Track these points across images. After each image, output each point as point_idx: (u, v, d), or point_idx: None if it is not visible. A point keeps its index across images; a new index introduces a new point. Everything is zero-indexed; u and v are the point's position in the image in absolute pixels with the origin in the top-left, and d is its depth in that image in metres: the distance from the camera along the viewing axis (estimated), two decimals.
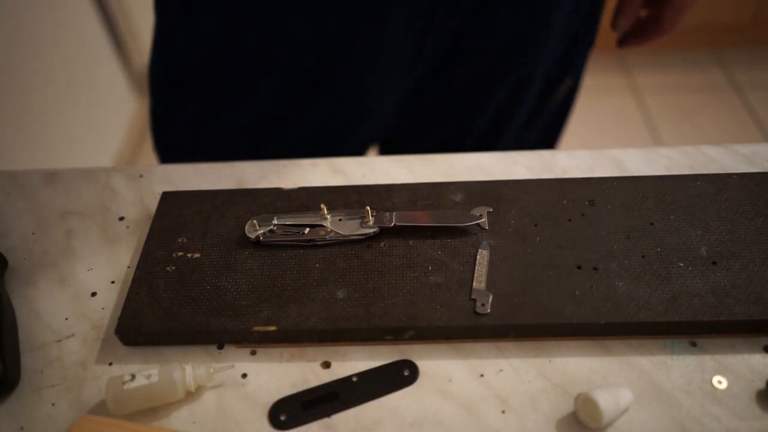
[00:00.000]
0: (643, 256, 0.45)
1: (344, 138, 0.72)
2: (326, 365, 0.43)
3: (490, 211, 0.49)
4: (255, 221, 0.49)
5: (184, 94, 0.70)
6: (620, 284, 0.44)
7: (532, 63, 0.68)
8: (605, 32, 0.69)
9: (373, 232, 0.48)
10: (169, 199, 0.53)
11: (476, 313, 0.43)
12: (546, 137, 0.81)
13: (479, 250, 0.46)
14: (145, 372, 0.41)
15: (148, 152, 1.90)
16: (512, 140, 0.77)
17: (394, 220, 0.48)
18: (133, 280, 0.47)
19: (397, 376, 0.42)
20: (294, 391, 0.42)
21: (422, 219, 0.48)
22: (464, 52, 0.66)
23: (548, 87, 0.74)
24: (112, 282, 0.49)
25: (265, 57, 0.63)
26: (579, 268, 0.45)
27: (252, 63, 0.64)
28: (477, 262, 0.46)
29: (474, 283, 0.44)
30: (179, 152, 0.75)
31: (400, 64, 0.65)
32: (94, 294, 0.49)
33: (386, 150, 0.83)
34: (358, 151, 0.76)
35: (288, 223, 0.49)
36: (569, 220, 0.48)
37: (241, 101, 0.68)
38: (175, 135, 0.74)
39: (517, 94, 0.71)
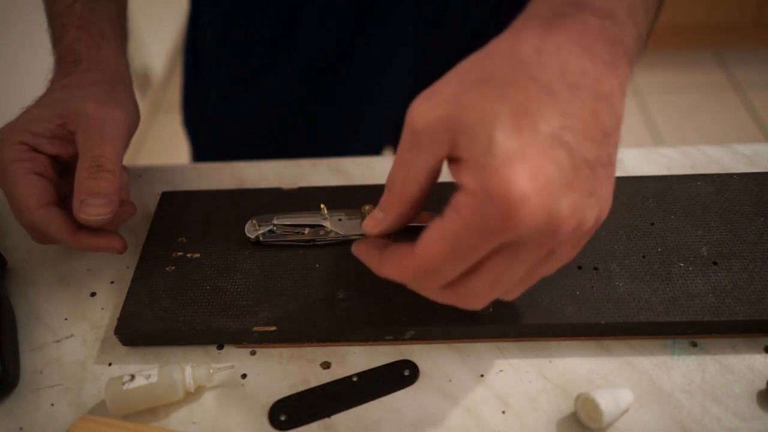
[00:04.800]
0: (643, 256, 0.45)
1: (356, 132, 0.73)
2: (326, 365, 0.43)
3: None
4: (255, 221, 0.49)
5: (210, 73, 0.72)
6: (621, 284, 0.44)
7: None
8: None
9: None
10: (169, 199, 0.53)
11: (476, 313, 0.43)
12: None
13: None
14: (145, 372, 0.41)
15: (148, 152, 1.90)
16: None
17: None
18: (132, 280, 0.47)
19: (397, 376, 0.42)
20: (294, 391, 0.42)
21: (422, 219, 0.48)
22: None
23: None
24: (112, 282, 0.49)
25: (283, 42, 0.65)
26: (579, 268, 0.45)
27: (270, 47, 0.66)
28: None
29: None
30: (205, 131, 0.79)
31: (411, 58, 0.66)
32: (93, 294, 0.49)
33: None
34: (374, 149, 0.77)
35: (288, 223, 0.49)
36: None
37: (260, 85, 0.70)
38: (203, 113, 0.77)
39: None
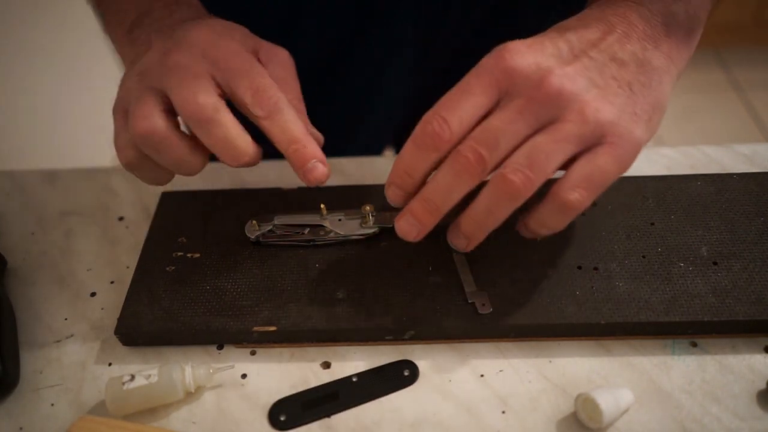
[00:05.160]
0: (643, 256, 0.45)
1: (356, 132, 0.73)
2: (326, 365, 0.43)
3: None
4: (255, 221, 0.49)
5: None
6: (621, 284, 0.44)
7: None
8: None
9: (373, 232, 0.48)
10: (168, 199, 0.53)
11: (476, 313, 0.43)
12: None
13: (453, 254, 0.46)
14: (145, 372, 0.41)
15: None
16: None
17: (394, 220, 0.48)
18: (132, 280, 0.47)
19: (397, 376, 0.42)
20: (294, 391, 0.42)
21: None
22: (477, 51, 0.67)
23: None
24: (112, 282, 0.49)
25: (282, 42, 0.65)
26: (579, 268, 0.45)
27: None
28: (457, 268, 0.45)
29: (465, 288, 0.44)
30: None
31: (411, 58, 0.66)
32: (93, 294, 0.49)
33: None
34: (374, 149, 0.77)
35: (288, 223, 0.49)
36: None
37: None
38: None
39: None
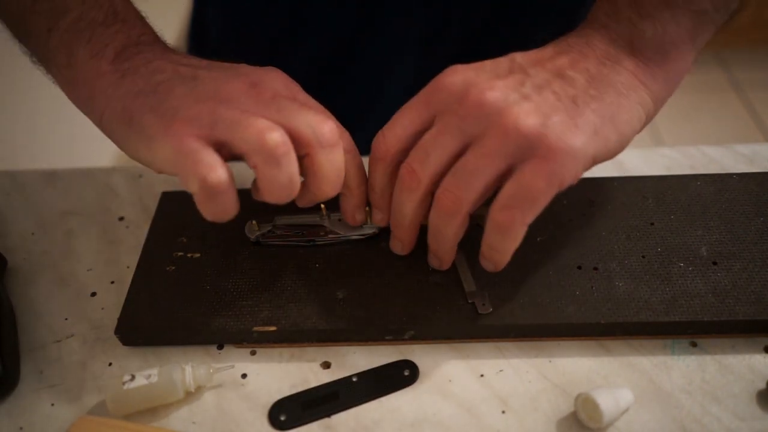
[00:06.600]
0: (643, 256, 0.45)
1: (355, 131, 0.74)
2: (326, 365, 0.43)
3: None
4: (255, 221, 0.49)
5: None
6: (620, 284, 0.44)
7: None
8: None
9: (373, 232, 0.48)
10: (169, 199, 0.53)
11: (476, 313, 0.43)
12: None
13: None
14: (145, 372, 0.41)
15: None
16: None
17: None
18: (132, 280, 0.47)
19: (397, 376, 0.42)
20: (294, 391, 0.42)
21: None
22: (478, 52, 0.67)
23: None
24: (112, 282, 0.49)
25: (285, 44, 0.65)
26: (579, 268, 0.45)
27: (273, 49, 0.66)
28: (457, 268, 0.45)
29: (465, 288, 0.44)
30: None
31: (414, 59, 0.66)
32: (93, 294, 0.49)
33: None
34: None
35: (288, 223, 0.49)
36: (569, 220, 0.48)
37: None
38: None
39: None
